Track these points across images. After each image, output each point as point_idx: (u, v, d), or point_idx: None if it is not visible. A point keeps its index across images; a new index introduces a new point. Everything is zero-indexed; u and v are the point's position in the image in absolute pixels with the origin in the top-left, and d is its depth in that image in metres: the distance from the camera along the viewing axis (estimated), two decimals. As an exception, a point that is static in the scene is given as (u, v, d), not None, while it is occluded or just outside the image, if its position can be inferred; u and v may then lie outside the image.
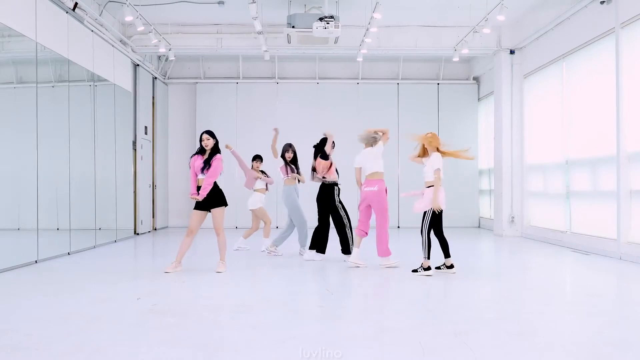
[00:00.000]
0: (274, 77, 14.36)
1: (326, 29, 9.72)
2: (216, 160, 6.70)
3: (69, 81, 8.81)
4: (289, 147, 8.52)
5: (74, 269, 7.26)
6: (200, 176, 6.74)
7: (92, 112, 9.65)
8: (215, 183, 6.76)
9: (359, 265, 7.14)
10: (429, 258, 6.60)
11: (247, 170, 8.94)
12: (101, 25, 10.14)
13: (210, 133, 6.81)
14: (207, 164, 6.69)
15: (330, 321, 4.57)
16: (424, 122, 14.01)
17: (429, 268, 6.57)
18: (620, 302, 5.62)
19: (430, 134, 6.82)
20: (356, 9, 10.85)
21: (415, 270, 6.66)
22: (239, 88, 14.26)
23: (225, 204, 6.84)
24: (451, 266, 6.72)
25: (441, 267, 6.77)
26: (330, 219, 7.86)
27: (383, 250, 7.12)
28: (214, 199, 6.74)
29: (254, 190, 8.99)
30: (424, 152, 6.84)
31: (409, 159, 7.16)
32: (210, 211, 6.79)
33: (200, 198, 6.66)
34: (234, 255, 8.48)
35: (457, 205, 13.01)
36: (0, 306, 5.00)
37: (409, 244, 9.95)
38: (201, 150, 6.80)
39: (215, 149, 6.78)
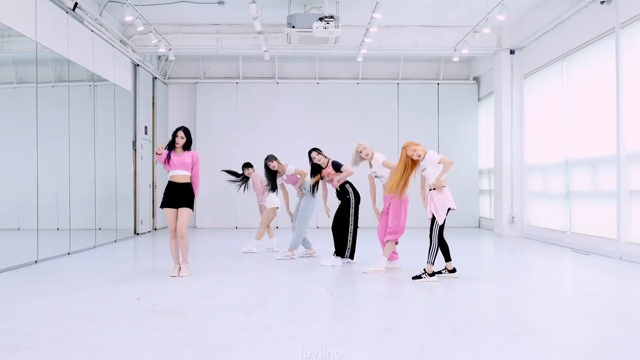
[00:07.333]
0: (274, 77, 14.36)
1: (326, 29, 9.72)
2: (197, 157, 6.55)
3: (69, 81, 8.81)
4: (274, 158, 8.25)
5: (74, 269, 7.26)
6: (179, 171, 6.43)
7: (92, 112, 9.65)
8: (189, 183, 6.51)
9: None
10: (433, 263, 6.20)
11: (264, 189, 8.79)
12: (101, 25, 10.13)
13: (188, 132, 6.55)
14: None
15: (330, 321, 4.57)
16: (423, 122, 14.05)
17: (433, 274, 6.23)
18: (620, 302, 5.62)
19: (415, 145, 6.53)
20: (356, 9, 10.85)
21: (417, 277, 6.23)
22: (239, 88, 14.25)
23: (193, 207, 6.55)
24: (453, 270, 6.45)
25: (442, 272, 6.44)
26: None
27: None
28: (187, 197, 6.46)
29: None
30: (413, 163, 6.50)
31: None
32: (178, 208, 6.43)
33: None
34: (234, 256, 8.48)
35: (457, 205, 12.89)
36: (0, 306, 5.00)
37: (411, 245, 9.92)
38: (172, 146, 6.48)
39: (187, 148, 6.53)
